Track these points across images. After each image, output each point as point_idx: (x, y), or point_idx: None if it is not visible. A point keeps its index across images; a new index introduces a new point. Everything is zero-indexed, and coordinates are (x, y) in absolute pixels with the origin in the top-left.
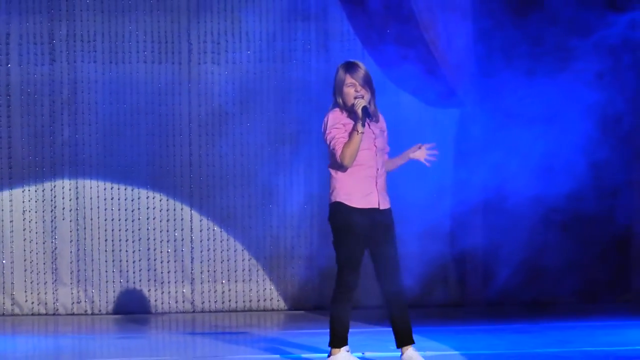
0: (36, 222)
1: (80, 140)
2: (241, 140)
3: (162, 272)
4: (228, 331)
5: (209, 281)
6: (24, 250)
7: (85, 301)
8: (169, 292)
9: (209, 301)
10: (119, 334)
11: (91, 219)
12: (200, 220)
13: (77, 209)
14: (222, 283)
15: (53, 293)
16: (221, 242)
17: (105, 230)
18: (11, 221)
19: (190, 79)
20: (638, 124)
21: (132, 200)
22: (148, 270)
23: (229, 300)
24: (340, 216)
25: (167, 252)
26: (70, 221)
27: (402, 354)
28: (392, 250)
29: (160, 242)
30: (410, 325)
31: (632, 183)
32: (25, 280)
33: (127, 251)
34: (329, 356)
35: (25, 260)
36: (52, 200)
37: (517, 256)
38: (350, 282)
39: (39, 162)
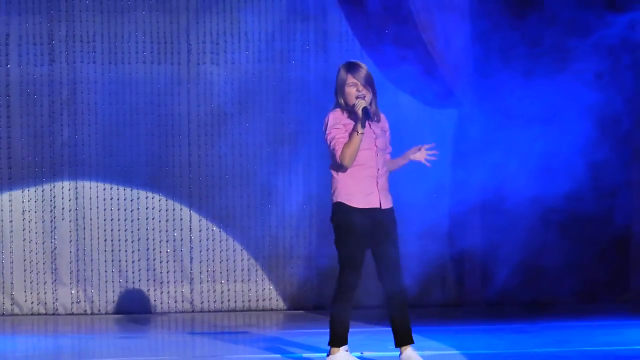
0: (36, 223)
1: (80, 140)
2: (240, 141)
3: (161, 272)
4: (227, 331)
5: (208, 281)
6: (24, 250)
7: (85, 301)
8: (169, 292)
9: (208, 301)
10: (118, 334)
11: (90, 219)
12: (200, 221)
13: (76, 209)
14: (221, 283)
15: (53, 293)
16: (220, 242)
17: (105, 231)
18: (11, 221)
19: (190, 79)
20: (637, 124)
21: (131, 201)
22: (147, 270)
23: (228, 300)
24: (341, 216)
25: (167, 252)
26: (70, 221)
27: (400, 354)
28: (393, 250)
29: (160, 242)
30: (409, 325)
31: (631, 183)
32: (24, 280)
33: (126, 251)
34: (328, 355)
35: (24, 260)
36: (51, 201)
37: (516, 256)
38: (351, 282)
39: (38, 162)
